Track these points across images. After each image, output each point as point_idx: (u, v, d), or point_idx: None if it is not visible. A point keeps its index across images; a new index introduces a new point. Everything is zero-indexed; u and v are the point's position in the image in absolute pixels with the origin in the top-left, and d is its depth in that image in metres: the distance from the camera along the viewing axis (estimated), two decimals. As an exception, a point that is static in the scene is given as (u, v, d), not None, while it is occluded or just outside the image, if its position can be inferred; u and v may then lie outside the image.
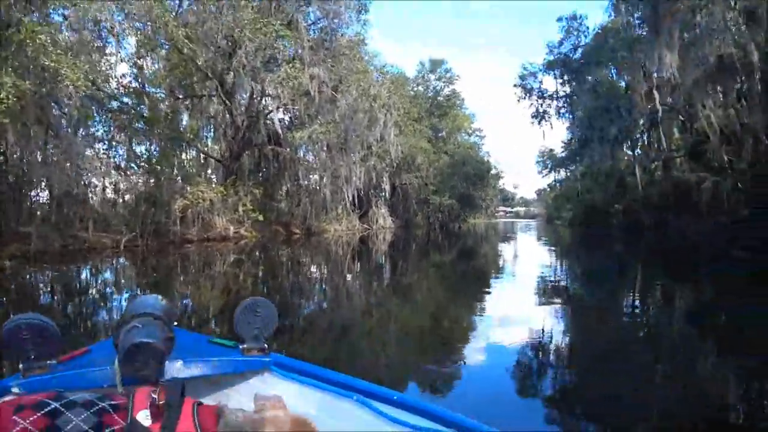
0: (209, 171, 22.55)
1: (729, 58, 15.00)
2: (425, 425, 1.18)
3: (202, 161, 22.02)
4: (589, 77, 26.71)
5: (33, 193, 14.82)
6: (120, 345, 1.10)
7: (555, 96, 31.64)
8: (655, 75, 20.79)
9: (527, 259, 15.15)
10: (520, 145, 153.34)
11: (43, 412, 0.86)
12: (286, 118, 23.97)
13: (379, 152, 26.76)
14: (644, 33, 22.55)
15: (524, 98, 32.92)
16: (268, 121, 21.79)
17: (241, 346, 1.56)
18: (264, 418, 0.90)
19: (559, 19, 29.32)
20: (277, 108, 21.28)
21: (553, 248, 19.87)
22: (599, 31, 27.03)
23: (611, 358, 4.29)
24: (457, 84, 42.28)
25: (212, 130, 22.66)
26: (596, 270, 12.46)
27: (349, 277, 10.43)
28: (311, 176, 24.38)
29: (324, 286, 9.31)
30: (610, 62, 25.62)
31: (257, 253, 15.30)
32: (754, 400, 3.36)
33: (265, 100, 21.10)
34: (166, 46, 17.56)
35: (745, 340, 4.81)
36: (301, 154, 24.13)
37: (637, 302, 7.66)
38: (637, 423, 2.89)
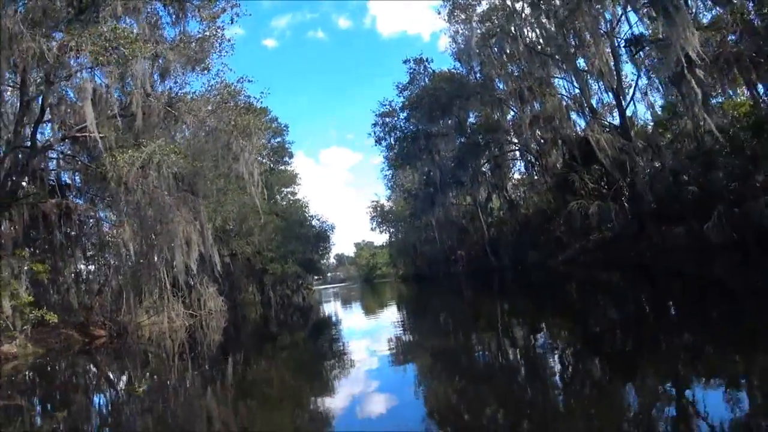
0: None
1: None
2: None
3: None
4: (451, 117, 25.99)
5: None
6: None
7: (417, 136, 28.89)
8: (529, 110, 22.08)
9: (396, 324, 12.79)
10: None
11: None
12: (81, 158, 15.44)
13: (212, 209, 20.78)
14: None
15: (385, 139, 31.03)
16: (54, 156, 14.80)
17: None
18: None
19: (406, 61, 28.97)
20: (71, 128, 13.42)
21: (407, 310, 17.36)
22: (442, 73, 27.16)
23: None
24: (287, 134, 38.23)
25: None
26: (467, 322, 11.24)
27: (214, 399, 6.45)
28: (129, 244, 14.55)
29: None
30: (479, 96, 24.74)
31: (42, 382, 9.15)
32: None
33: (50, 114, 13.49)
34: None
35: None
36: (101, 212, 16.39)
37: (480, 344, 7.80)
38: None
